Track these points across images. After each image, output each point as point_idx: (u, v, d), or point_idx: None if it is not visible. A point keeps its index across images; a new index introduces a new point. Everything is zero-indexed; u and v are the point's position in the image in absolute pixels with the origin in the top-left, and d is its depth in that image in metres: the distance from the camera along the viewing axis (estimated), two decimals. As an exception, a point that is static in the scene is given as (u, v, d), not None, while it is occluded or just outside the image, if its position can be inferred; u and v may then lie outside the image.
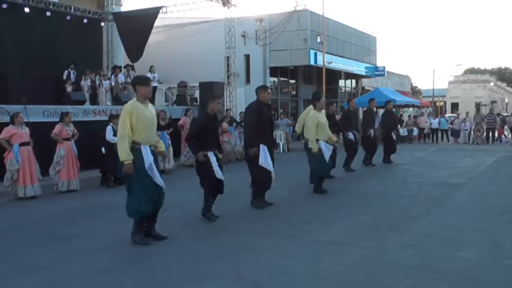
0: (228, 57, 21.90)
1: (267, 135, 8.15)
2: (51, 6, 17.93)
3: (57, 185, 10.55)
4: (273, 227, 6.85)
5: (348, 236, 6.35)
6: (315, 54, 26.03)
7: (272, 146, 8.42)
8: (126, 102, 15.76)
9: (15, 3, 16.66)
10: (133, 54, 20.06)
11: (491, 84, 73.54)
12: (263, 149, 7.96)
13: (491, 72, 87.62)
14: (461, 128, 25.39)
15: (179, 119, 15.59)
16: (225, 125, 16.02)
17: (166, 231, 6.39)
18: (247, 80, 26.62)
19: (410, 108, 34.35)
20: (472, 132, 24.95)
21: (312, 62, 26.13)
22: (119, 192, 10.51)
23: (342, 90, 34.36)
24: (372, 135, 14.05)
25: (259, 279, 4.78)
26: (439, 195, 9.21)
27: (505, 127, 26.44)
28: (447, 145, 24.05)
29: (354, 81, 35.72)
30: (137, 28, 19.53)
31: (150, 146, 6.12)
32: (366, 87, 35.89)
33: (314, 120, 9.31)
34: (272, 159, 8.15)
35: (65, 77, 17.25)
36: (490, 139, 24.59)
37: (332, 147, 9.82)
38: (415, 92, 62.72)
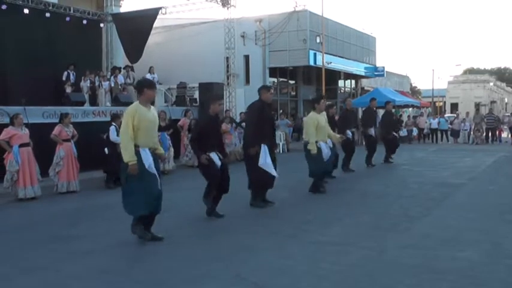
0: (227, 57, 21.90)
1: (268, 135, 8.16)
2: (50, 8, 17.92)
3: (56, 186, 10.55)
4: (273, 227, 6.85)
5: (348, 236, 6.35)
6: (315, 54, 26.05)
7: (273, 146, 8.42)
8: (126, 103, 15.91)
9: (14, 4, 16.64)
10: (132, 55, 20.05)
11: (491, 84, 73.55)
12: (264, 149, 7.97)
13: (491, 72, 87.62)
14: (461, 128, 25.40)
15: (179, 120, 15.60)
16: (224, 126, 16.02)
17: (167, 232, 6.39)
18: (247, 81, 26.65)
19: (410, 109, 34.36)
20: (471, 133, 24.96)
21: (312, 63, 26.16)
22: (118, 193, 10.51)
23: (342, 91, 34.39)
24: (373, 134, 14.04)
25: (260, 279, 4.77)
26: (439, 195, 9.21)
27: (504, 127, 26.47)
28: (447, 145, 24.06)
29: (353, 81, 35.75)
30: (136, 29, 19.52)
31: (149, 149, 6.13)
32: (366, 88, 35.90)
33: (314, 121, 9.33)
34: (273, 160, 8.15)
35: (64, 78, 17.23)
36: (490, 139, 24.59)
37: (331, 147, 9.84)
38: (414, 92, 62.75)
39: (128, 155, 5.90)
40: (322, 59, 25.63)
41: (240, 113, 18.43)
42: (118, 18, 20.90)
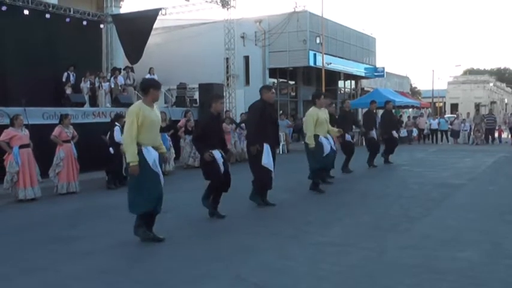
0: (227, 58, 21.91)
1: (270, 135, 8.16)
2: (50, 9, 17.93)
3: (56, 187, 10.55)
4: (274, 228, 6.85)
5: (348, 237, 6.35)
6: (314, 55, 26.06)
7: (274, 145, 8.43)
8: (126, 104, 15.93)
9: (14, 6, 16.65)
10: (132, 56, 20.06)
11: (491, 84, 73.55)
12: (267, 149, 7.98)
13: (491, 73, 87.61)
14: (461, 128, 25.40)
15: (179, 121, 15.60)
16: (224, 126, 16.00)
17: (167, 232, 6.39)
18: (247, 82, 26.66)
19: (410, 109, 34.39)
20: (471, 133, 24.96)
21: (312, 63, 26.16)
22: (119, 194, 10.53)
23: (342, 91, 34.39)
24: (375, 136, 14.07)
25: (260, 279, 4.77)
26: (439, 196, 9.21)
27: (504, 127, 26.47)
28: (447, 146, 24.06)
29: (353, 82, 35.77)
30: (136, 30, 19.53)
31: (153, 147, 6.15)
32: (366, 88, 35.91)
33: (314, 116, 9.37)
34: (274, 158, 8.18)
35: (64, 79, 17.24)
36: (490, 139, 24.59)
37: (332, 142, 9.86)
38: (414, 92, 62.75)
39: (129, 156, 5.92)
40: (322, 59, 25.64)
41: (241, 114, 18.42)
42: (118, 19, 20.91)
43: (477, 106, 61.86)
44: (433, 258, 5.32)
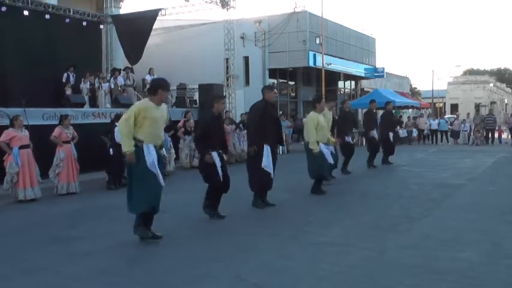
0: (227, 59, 21.92)
1: (271, 135, 8.13)
2: (50, 9, 17.94)
3: (56, 187, 10.55)
4: (274, 228, 6.85)
5: (348, 237, 6.35)
6: (314, 55, 26.07)
7: (276, 145, 8.41)
8: (125, 104, 15.90)
9: (14, 6, 16.66)
10: (132, 57, 20.07)
11: (491, 85, 73.58)
12: (267, 150, 7.97)
13: (491, 73, 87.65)
14: (461, 129, 25.40)
15: (179, 121, 15.60)
16: (224, 126, 16.01)
17: (167, 232, 6.39)
18: (247, 82, 26.67)
19: (410, 110, 34.40)
20: (471, 133, 24.97)
21: (311, 64, 26.17)
22: (119, 194, 10.53)
23: (342, 92, 34.39)
24: (375, 136, 14.02)
25: (260, 280, 4.77)
26: (439, 196, 9.21)
27: (504, 128, 26.48)
28: (447, 146, 24.07)
29: (353, 82, 35.77)
30: (136, 30, 19.54)
31: (155, 146, 6.14)
32: (365, 89, 35.93)
33: (314, 120, 9.33)
34: (274, 159, 8.17)
35: (64, 80, 17.24)
36: (490, 140, 24.60)
37: (331, 147, 9.84)
38: (414, 93, 62.77)
39: (125, 146, 5.96)
40: (322, 60, 25.64)
41: (241, 114, 18.40)
42: (118, 19, 20.93)
43: (477, 106, 61.85)
44: (433, 258, 5.32)
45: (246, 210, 8.11)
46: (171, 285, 4.78)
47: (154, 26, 20.33)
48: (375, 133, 14.01)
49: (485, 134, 24.69)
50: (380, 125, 15.16)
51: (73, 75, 17.43)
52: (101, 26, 20.80)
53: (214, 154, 7.27)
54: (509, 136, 26.43)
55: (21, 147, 9.74)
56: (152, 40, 21.19)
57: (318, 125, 9.30)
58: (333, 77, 31.07)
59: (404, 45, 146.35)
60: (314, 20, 26.11)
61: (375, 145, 14.10)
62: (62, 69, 17.40)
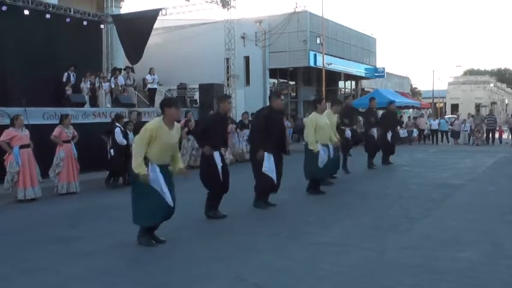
0: (227, 58, 21.91)
1: (275, 142, 8.09)
2: (50, 9, 17.93)
3: (57, 187, 10.55)
4: (274, 228, 6.85)
5: (348, 237, 6.35)
6: (315, 55, 26.07)
7: (280, 152, 8.32)
8: (126, 104, 15.90)
9: (14, 6, 16.65)
10: (133, 57, 20.05)
11: (491, 85, 73.55)
12: (267, 156, 7.96)
13: (491, 73, 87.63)
14: (461, 129, 25.40)
15: (179, 121, 15.57)
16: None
17: (167, 232, 6.39)
18: (247, 82, 26.67)
19: (410, 110, 34.40)
20: (472, 134, 24.95)
21: (312, 64, 26.17)
22: (119, 194, 10.54)
23: (342, 92, 34.39)
24: (375, 135, 13.94)
25: (260, 280, 4.78)
26: (439, 196, 9.21)
27: (505, 128, 26.47)
28: (447, 146, 24.06)
29: (353, 82, 35.78)
30: (137, 30, 19.52)
31: (162, 166, 6.03)
32: (366, 89, 35.93)
33: (312, 122, 9.33)
34: (279, 167, 8.14)
35: (64, 80, 17.22)
36: (490, 140, 24.58)
37: (331, 150, 9.80)
38: (414, 93, 62.79)
39: (137, 166, 5.84)
40: (323, 60, 25.65)
41: (242, 114, 18.38)
42: (118, 19, 20.91)
43: (477, 107, 61.87)
44: (433, 258, 5.33)
45: (246, 211, 8.11)
46: (171, 285, 4.78)
47: (155, 26, 20.30)
48: (374, 131, 13.95)
49: (485, 134, 24.69)
50: (381, 125, 15.13)
51: (73, 75, 17.41)
52: (102, 26, 20.78)
53: (216, 154, 7.28)
54: (510, 136, 26.41)
55: (22, 146, 9.74)
56: (153, 40, 21.18)
57: (317, 125, 9.28)
58: (334, 77, 31.07)
59: (405, 46, 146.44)
60: (315, 20, 26.12)
61: (374, 145, 14.01)
62: (63, 68, 17.38)
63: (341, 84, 34.41)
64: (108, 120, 13.17)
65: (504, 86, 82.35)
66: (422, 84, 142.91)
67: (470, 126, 25.24)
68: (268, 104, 8.45)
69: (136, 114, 12.82)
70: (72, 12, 18.86)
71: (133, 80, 19.08)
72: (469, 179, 11.63)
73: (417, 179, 11.57)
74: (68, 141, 10.65)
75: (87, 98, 16.48)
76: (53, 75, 17.48)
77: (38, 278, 5.05)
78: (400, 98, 28.59)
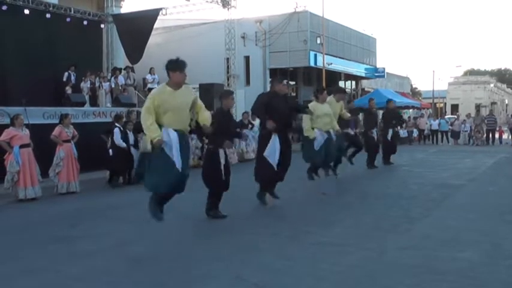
0: (227, 58, 21.92)
1: (280, 124, 7.96)
2: (51, 8, 17.93)
3: (57, 186, 10.55)
4: (274, 228, 6.84)
5: (348, 237, 6.35)
6: (315, 55, 26.06)
7: (287, 135, 8.31)
8: (126, 104, 15.92)
9: (15, 5, 16.66)
10: (133, 56, 20.06)
11: (491, 85, 73.57)
12: (273, 140, 7.90)
13: (491, 74, 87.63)
14: (461, 129, 25.40)
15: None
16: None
17: (167, 232, 6.39)
18: (247, 82, 26.66)
19: (410, 110, 34.40)
20: (472, 134, 24.96)
21: (312, 64, 26.16)
22: (119, 194, 10.57)
23: (342, 92, 34.32)
24: (374, 136, 13.92)
25: (260, 280, 4.77)
26: (439, 196, 9.21)
27: (505, 128, 26.48)
28: (447, 146, 24.07)
29: (353, 82, 35.76)
30: (137, 30, 19.53)
31: (177, 130, 5.98)
32: (366, 89, 35.92)
33: (310, 109, 9.36)
34: (286, 153, 8.10)
35: (65, 79, 17.24)
36: (490, 140, 24.58)
37: (331, 137, 9.87)
38: (415, 93, 62.75)
39: (151, 133, 5.81)
40: (323, 60, 25.64)
41: (242, 113, 18.38)
42: (118, 19, 20.91)
43: (477, 107, 61.88)
44: (433, 258, 5.32)
45: (246, 210, 8.11)
46: (172, 285, 4.78)
47: (155, 26, 20.31)
48: (374, 132, 13.90)
49: (485, 134, 24.69)
50: (382, 124, 15.14)
51: (74, 75, 17.42)
52: (102, 26, 20.79)
53: (221, 152, 7.29)
54: (510, 137, 26.42)
55: (22, 146, 9.74)
56: (153, 39, 21.18)
57: (315, 113, 9.35)
58: (334, 77, 31.06)
59: (405, 46, 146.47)
60: (315, 19, 26.11)
61: (374, 146, 13.99)
62: (63, 68, 17.39)
63: (341, 84, 34.32)
64: (108, 119, 13.19)
65: (504, 86, 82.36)
66: (422, 84, 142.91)
67: (470, 127, 25.25)
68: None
69: (136, 113, 12.83)
70: (72, 12, 18.86)
71: (134, 80, 19.09)
72: (469, 179, 11.63)
73: (417, 179, 11.56)
74: (68, 141, 10.65)
75: (87, 97, 16.49)
76: (53, 75, 17.49)
77: (38, 278, 5.05)
78: (400, 98, 28.58)
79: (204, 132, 6.61)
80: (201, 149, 14.08)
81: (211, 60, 23.94)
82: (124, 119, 11.93)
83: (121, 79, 18.10)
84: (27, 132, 10.02)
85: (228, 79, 21.87)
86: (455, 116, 29.66)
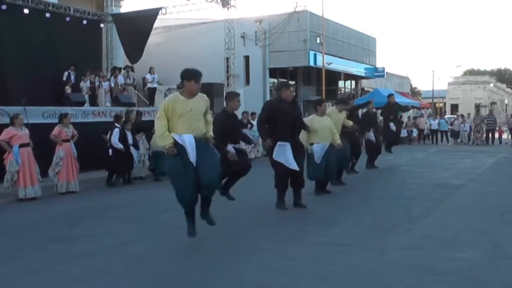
0: (227, 58, 21.91)
1: (286, 133, 7.89)
2: (50, 8, 17.92)
3: (56, 186, 10.53)
4: (274, 229, 6.84)
5: (348, 237, 6.35)
6: (315, 55, 26.06)
7: (297, 141, 8.16)
8: (126, 103, 15.90)
9: (14, 5, 16.65)
10: (132, 56, 20.05)
11: (491, 85, 73.60)
12: (279, 145, 7.84)
13: (491, 74, 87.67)
14: (461, 129, 25.40)
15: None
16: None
17: (167, 232, 6.39)
18: (247, 81, 26.65)
19: (410, 110, 34.39)
20: (471, 134, 24.96)
21: (312, 63, 26.16)
22: (119, 193, 10.56)
23: (342, 91, 34.37)
24: (373, 139, 13.79)
25: (260, 279, 4.77)
26: (439, 196, 9.21)
27: (505, 128, 26.49)
28: (447, 146, 24.07)
29: (353, 82, 35.75)
30: (137, 29, 19.52)
31: (193, 135, 5.85)
32: (366, 88, 35.92)
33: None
34: (298, 156, 7.99)
35: (64, 79, 17.22)
36: (490, 140, 24.59)
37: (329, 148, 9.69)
38: (414, 93, 62.75)
39: (163, 141, 5.78)
40: (323, 59, 25.64)
41: (242, 113, 18.35)
42: (118, 18, 20.90)
43: (477, 107, 61.88)
44: (433, 258, 5.32)
45: (246, 211, 8.09)
46: (172, 286, 4.77)
47: (155, 25, 20.31)
48: (372, 135, 13.67)
49: (485, 134, 24.69)
50: (382, 115, 15.22)
51: (73, 74, 17.41)
52: (102, 25, 20.78)
53: (230, 147, 7.27)
54: (510, 136, 26.43)
55: (22, 145, 9.73)
56: (153, 39, 21.17)
57: (311, 127, 9.00)
58: (333, 76, 31.06)
59: (405, 45, 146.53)
60: (315, 19, 26.10)
61: (373, 147, 13.91)
62: (62, 68, 17.37)
63: (341, 83, 34.40)
64: (108, 119, 13.17)
65: (504, 86, 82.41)
66: (422, 84, 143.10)
67: (470, 127, 25.26)
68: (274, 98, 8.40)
69: (136, 113, 12.82)
70: (72, 11, 18.85)
71: (133, 79, 19.08)
72: (469, 179, 11.63)
73: (417, 179, 11.57)
74: (67, 140, 10.63)
75: (86, 97, 16.48)
76: (53, 75, 17.48)
77: (38, 278, 5.04)
78: (400, 97, 28.52)
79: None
80: None
81: (211, 60, 23.91)
82: (123, 119, 11.91)
83: (121, 79, 18.08)
84: (26, 131, 10.01)
85: (227, 79, 21.87)
86: (455, 116, 29.65)
